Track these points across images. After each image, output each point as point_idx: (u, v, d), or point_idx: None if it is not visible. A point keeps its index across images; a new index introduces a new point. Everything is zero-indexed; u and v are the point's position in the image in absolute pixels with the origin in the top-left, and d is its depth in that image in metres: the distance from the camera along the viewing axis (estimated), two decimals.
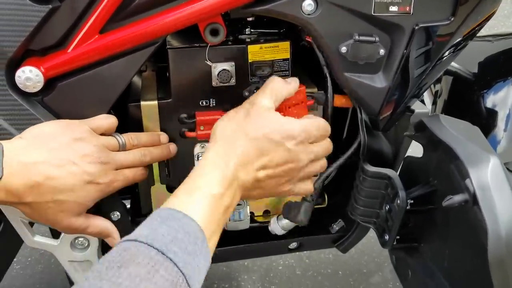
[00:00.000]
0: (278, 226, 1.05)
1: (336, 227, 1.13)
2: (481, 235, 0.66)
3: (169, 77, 0.93)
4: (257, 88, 0.94)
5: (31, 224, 0.89)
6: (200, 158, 0.98)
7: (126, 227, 0.94)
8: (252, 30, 0.95)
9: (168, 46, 0.90)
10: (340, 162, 0.98)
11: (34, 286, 1.63)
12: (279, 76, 0.94)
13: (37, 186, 0.74)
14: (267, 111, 0.81)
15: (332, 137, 1.02)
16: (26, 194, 0.74)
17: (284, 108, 0.88)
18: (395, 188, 0.87)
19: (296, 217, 0.97)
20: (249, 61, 0.93)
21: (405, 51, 0.81)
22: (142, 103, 0.93)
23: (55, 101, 0.83)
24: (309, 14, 0.81)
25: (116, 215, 0.92)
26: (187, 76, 0.92)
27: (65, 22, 0.79)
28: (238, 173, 0.76)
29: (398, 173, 0.94)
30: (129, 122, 0.94)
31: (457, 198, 0.67)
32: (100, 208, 0.90)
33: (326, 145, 0.86)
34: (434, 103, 1.32)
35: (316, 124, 0.84)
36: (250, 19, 0.93)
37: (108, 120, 0.85)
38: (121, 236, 0.92)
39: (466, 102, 1.26)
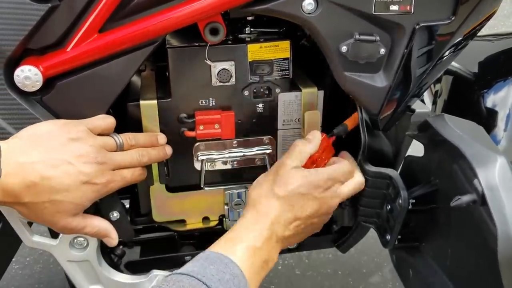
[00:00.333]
0: None
1: (336, 227, 1.13)
2: (487, 235, 0.66)
3: (168, 77, 0.93)
4: (257, 88, 0.95)
5: (30, 224, 0.89)
6: (200, 158, 0.98)
7: (125, 227, 0.94)
8: (252, 30, 0.94)
9: (167, 45, 0.90)
10: None
11: (33, 286, 1.62)
12: (279, 75, 0.94)
13: (34, 186, 0.74)
14: (293, 170, 0.87)
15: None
16: (23, 194, 0.74)
17: (310, 163, 0.92)
18: (397, 188, 0.87)
19: None
20: (249, 60, 0.92)
21: (405, 50, 0.81)
22: (142, 102, 0.92)
23: (54, 101, 0.83)
24: (309, 13, 0.80)
25: (115, 215, 0.92)
26: (187, 75, 0.92)
27: (64, 21, 0.79)
28: (274, 229, 0.83)
29: (398, 172, 0.94)
30: (128, 122, 0.94)
31: (466, 198, 0.67)
32: (98, 208, 0.90)
33: (355, 183, 0.90)
34: (434, 102, 1.31)
35: (341, 169, 0.89)
36: (250, 18, 0.93)
37: (106, 120, 0.84)
38: (119, 236, 0.92)
39: (466, 101, 1.26)
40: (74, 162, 0.76)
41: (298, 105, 0.99)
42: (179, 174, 1.01)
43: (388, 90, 0.83)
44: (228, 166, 1.01)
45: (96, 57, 0.81)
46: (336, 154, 0.96)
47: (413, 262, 0.96)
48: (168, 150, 0.93)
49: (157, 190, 1.00)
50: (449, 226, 0.84)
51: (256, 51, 0.92)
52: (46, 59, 0.80)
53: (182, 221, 1.05)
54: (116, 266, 1.00)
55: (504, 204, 0.64)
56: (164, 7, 0.80)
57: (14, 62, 0.79)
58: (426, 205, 0.87)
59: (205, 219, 1.06)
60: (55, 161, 0.75)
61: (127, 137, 0.86)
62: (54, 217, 0.78)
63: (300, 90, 0.98)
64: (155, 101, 0.93)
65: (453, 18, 0.81)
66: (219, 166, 1.01)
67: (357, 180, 0.91)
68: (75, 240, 0.89)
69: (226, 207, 1.03)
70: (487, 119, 1.18)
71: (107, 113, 0.86)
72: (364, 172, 0.91)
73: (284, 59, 0.94)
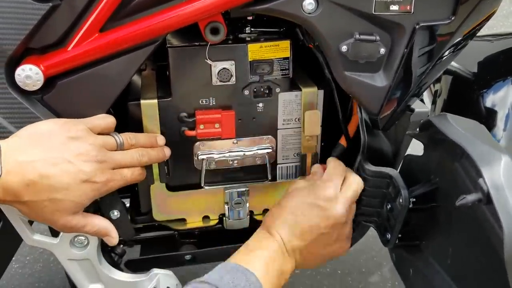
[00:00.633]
0: None
1: None
2: (491, 234, 0.66)
3: (169, 76, 0.93)
4: (257, 87, 0.95)
5: (30, 222, 0.89)
6: (200, 157, 0.99)
7: (125, 226, 0.94)
8: (252, 29, 0.94)
9: (168, 45, 0.90)
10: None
11: (33, 285, 1.62)
12: (279, 75, 0.94)
13: (33, 185, 0.74)
14: (297, 188, 0.92)
15: (333, 136, 1.04)
16: (23, 192, 0.74)
17: None
18: (397, 187, 0.87)
19: None
20: (249, 60, 0.93)
21: (405, 50, 0.81)
22: (142, 101, 0.93)
23: (55, 100, 0.83)
24: (309, 13, 0.80)
25: (116, 213, 0.92)
26: (187, 75, 0.92)
27: (65, 20, 0.79)
28: (281, 241, 0.86)
29: (398, 171, 0.94)
30: (129, 121, 0.94)
31: (471, 197, 0.67)
32: (99, 206, 0.90)
33: (352, 183, 0.92)
34: (434, 102, 1.32)
35: (331, 169, 0.94)
36: (250, 18, 0.93)
37: (106, 120, 0.84)
38: (120, 235, 0.92)
39: (465, 101, 1.26)
40: (74, 161, 0.77)
41: (298, 104, 0.99)
42: (180, 173, 1.01)
43: (388, 89, 0.84)
44: (229, 166, 1.01)
45: (97, 56, 0.81)
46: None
47: (414, 261, 0.96)
48: (167, 151, 0.93)
49: (158, 189, 1.00)
50: (449, 225, 0.84)
51: (257, 50, 0.92)
52: (47, 58, 0.80)
53: (182, 220, 1.06)
54: (116, 265, 1.00)
55: (509, 203, 0.64)
56: (165, 7, 0.80)
57: (15, 61, 0.80)
58: (427, 204, 0.87)
59: (205, 218, 1.06)
60: (54, 160, 0.75)
61: (127, 137, 0.86)
62: (54, 216, 0.78)
63: (300, 90, 0.98)
64: (155, 100, 0.93)
65: (453, 18, 0.81)
66: (219, 165, 1.01)
67: (352, 180, 0.92)
68: (76, 239, 0.89)
69: (226, 206, 1.04)
70: (487, 119, 1.18)
71: (108, 112, 0.86)
72: (364, 171, 0.91)
73: (284, 58, 0.94)
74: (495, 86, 1.22)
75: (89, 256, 0.91)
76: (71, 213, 0.79)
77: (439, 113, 0.85)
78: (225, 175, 1.03)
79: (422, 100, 1.13)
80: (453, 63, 1.28)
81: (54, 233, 0.91)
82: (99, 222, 0.85)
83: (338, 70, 0.84)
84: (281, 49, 0.93)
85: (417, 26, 0.80)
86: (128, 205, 1.05)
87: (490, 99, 1.21)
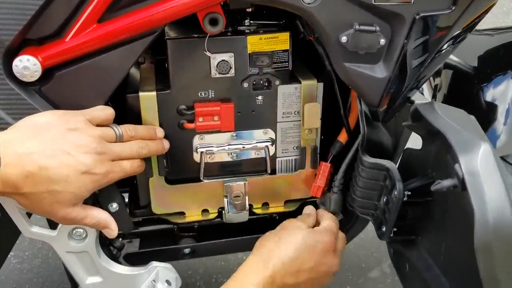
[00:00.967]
0: None
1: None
2: (470, 222, 0.65)
3: (167, 68, 0.93)
4: (256, 80, 0.94)
5: (29, 215, 0.88)
6: (199, 150, 0.98)
7: (124, 219, 0.94)
8: (251, 22, 0.94)
9: (167, 37, 0.90)
10: (348, 160, 1.00)
11: (32, 281, 1.62)
12: (278, 67, 0.94)
13: (32, 176, 0.73)
14: (297, 229, 0.93)
15: (333, 130, 1.04)
16: (22, 184, 0.74)
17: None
18: (393, 180, 0.86)
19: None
20: (248, 52, 0.92)
21: (405, 41, 0.81)
22: (141, 94, 0.92)
23: (53, 91, 0.82)
24: (309, 4, 0.80)
25: (114, 206, 0.92)
26: (186, 67, 0.92)
27: (63, 11, 0.78)
28: (276, 276, 0.86)
29: (397, 165, 0.94)
30: (127, 114, 0.94)
31: (446, 183, 0.66)
32: (98, 199, 0.90)
33: (342, 238, 1.00)
34: (434, 96, 1.31)
35: (332, 224, 0.98)
36: (249, 10, 0.92)
37: (105, 111, 0.84)
38: (119, 228, 0.92)
39: (466, 95, 1.25)
40: (73, 152, 0.76)
41: (298, 97, 0.98)
42: (178, 166, 1.00)
43: (388, 81, 0.83)
44: (228, 159, 1.01)
45: (95, 47, 0.81)
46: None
47: (409, 256, 0.96)
48: (166, 144, 0.93)
49: (156, 182, 1.00)
50: (443, 219, 0.83)
51: (256, 42, 0.92)
52: (44, 49, 0.80)
53: (181, 214, 1.05)
54: (115, 258, 1.00)
55: (484, 190, 0.63)
56: None
57: (12, 52, 0.79)
58: (422, 198, 0.86)
59: (205, 211, 1.06)
60: (53, 152, 0.75)
61: (126, 128, 0.86)
62: (53, 208, 0.77)
63: (300, 82, 0.97)
64: (154, 93, 0.93)
65: (453, 8, 0.81)
66: (218, 158, 1.01)
67: (342, 235, 1.00)
68: (74, 231, 0.89)
69: (225, 199, 1.03)
70: (487, 113, 1.18)
71: (106, 105, 0.86)
72: (362, 163, 0.91)
73: (284, 51, 0.93)
74: (495, 80, 1.21)
75: (88, 249, 0.90)
76: (71, 205, 0.79)
77: (427, 102, 0.84)
78: (224, 168, 1.03)
79: (422, 94, 1.12)
80: (453, 57, 1.27)
81: (52, 225, 0.90)
82: (98, 214, 0.84)
83: (338, 61, 0.83)
84: (280, 41, 0.93)
85: (417, 16, 0.80)
86: (127, 200, 1.05)
87: (491, 93, 1.21)
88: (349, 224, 1.08)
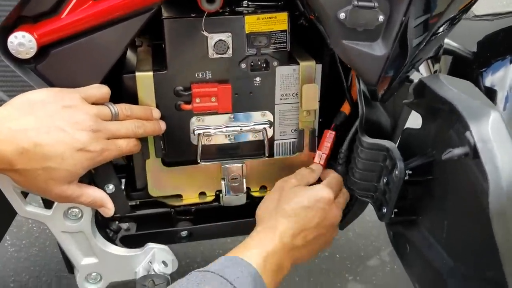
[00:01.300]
0: None
1: None
2: (480, 194, 0.64)
3: (164, 49, 0.92)
4: (254, 61, 0.94)
5: (25, 195, 0.88)
6: (196, 132, 0.98)
7: (120, 200, 0.93)
8: (249, 3, 0.93)
9: (163, 16, 0.89)
10: (349, 138, 0.99)
11: (29, 269, 1.61)
12: (276, 48, 0.93)
13: (26, 153, 0.73)
14: (296, 187, 0.94)
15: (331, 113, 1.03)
16: (16, 161, 0.73)
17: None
18: (394, 159, 0.86)
19: None
20: (246, 32, 0.91)
21: (404, 18, 0.80)
22: (137, 74, 0.92)
23: (49, 69, 0.82)
24: None
25: (111, 187, 0.91)
26: (183, 47, 0.91)
27: None
28: (283, 241, 0.86)
29: (396, 145, 0.93)
30: (124, 95, 0.93)
31: (457, 151, 0.65)
32: (94, 180, 0.89)
33: (344, 194, 0.99)
34: None
35: (334, 180, 0.98)
36: None
37: (101, 90, 0.83)
38: (115, 210, 0.91)
39: None
40: (68, 129, 0.76)
41: (296, 79, 0.98)
42: (176, 148, 1.00)
43: (387, 58, 0.82)
44: (225, 141, 1.00)
45: (91, 24, 0.80)
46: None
47: (410, 237, 0.95)
48: (163, 125, 0.92)
49: (153, 164, 0.99)
50: (445, 197, 0.83)
51: (254, 22, 0.91)
52: (40, 26, 0.79)
53: (179, 196, 1.05)
54: (111, 241, 0.99)
55: (496, 156, 0.62)
56: None
57: (8, 29, 0.78)
58: (423, 176, 0.86)
59: (202, 194, 1.05)
60: (48, 128, 0.74)
61: (122, 107, 0.85)
62: (48, 185, 0.77)
63: (298, 64, 0.97)
64: (151, 73, 0.92)
65: None
66: (215, 140, 1.00)
67: (344, 190, 0.99)
68: (69, 211, 0.88)
69: (222, 181, 1.02)
70: None
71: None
72: (361, 143, 0.90)
73: (282, 31, 0.93)
74: (494, 65, 1.21)
75: (83, 229, 0.90)
76: (66, 182, 0.78)
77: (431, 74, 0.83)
78: (221, 151, 1.02)
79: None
80: (452, 42, 1.27)
81: (48, 205, 0.89)
82: (94, 193, 0.84)
83: (336, 39, 0.82)
84: (278, 22, 0.92)
85: None
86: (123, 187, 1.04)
87: (490, 79, 1.20)
88: (348, 207, 1.08)
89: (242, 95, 0.97)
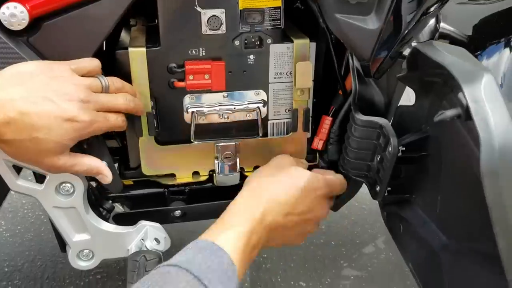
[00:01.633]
0: None
1: None
2: (472, 161, 0.64)
3: (158, 25, 0.91)
4: (247, 38, 0.93)
5: (18, 170, 0.87)
6: (189, 110, 0.97)
7: (113, 177, 0.92)
8: None
9: None
10: (341, 117, 1.00)
11: (23, 253, 1.61)
12: (270, 25, 0.93)
13: (14, 123, 0.72)
14: (294, 166, 0.93)
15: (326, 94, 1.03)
16: (4, 130, 0.72)
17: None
18: (387, 136, 0.86)
19: None
20: (240, 8, 0.91)
21: None
22: (130, 49, 0.91)
23: (41, 42, 0.82)
24: None
25: (104, 164, 0.91)
26: (176, 23, 0.91)
27: None
28: (265, 216, 0.83)
29: (390, 123, 0.93)
30: (117, 72, 0.93)
31: (449, 112, 0.65)
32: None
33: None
34: None
35: (338, 181, 0.97)
36: None
37: (92, 62, 0.83)
38: (108, 188, 0.91)
39: None
40: (56, 100, 0.75)
41: (290, 57, 0.97)
42: (169, 127, 0.99)
43: (380, 32, 0.82)
44: (219, 120, 1.00)
45: None
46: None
47: (404, 216, 0.95)
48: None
49: (146, 142, 0.99)
50: (439, 172, 0.83)
51: None
52: None
53: (172, 176, 1.04)
54: (104, 220, 0.99)
55: (488, 116, 0.62)
56: None
57: (0, 1, 0.78)
58: (417, 153, 0.85)
59: (195, 174, 1.05)
60: (36, 99, 0.74)
61: (113, 80, 0.84)
62: (39, 156, 0.76)
63: (292, 41, 0.96)
64: (144, 49, 0.92)
65: None
66: (209, 119, 1.00)
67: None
68: (61, 186, 0.88)
69: (216, 161, 1.02)
70: None
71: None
72: (354, 121, 0.90)
73: (276, 8, 0.92)
74: (489, 49, 1.20)
75: (75, 205, 0.89)
76: (56, 153, 0.77)
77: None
78: (215, 130, 1.02)
79: None
80: (448, 26, 1.26)
81: (39, 179, 0.89)
82: (89, 161, 0.83)
83: (329, 12, 0.82)
84: None
85: None
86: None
87: (485, 64, 1.20)
88: None
89: (235, 73, 0.97)
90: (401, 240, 1.00)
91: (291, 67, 0.98)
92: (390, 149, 0.85)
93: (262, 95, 1.00)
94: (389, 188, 0.91)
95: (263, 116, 1.01)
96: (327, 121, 1.03)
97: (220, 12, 0.90)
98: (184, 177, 1.04)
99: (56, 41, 0.82)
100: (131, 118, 0.91)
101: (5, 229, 1.71)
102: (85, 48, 0.83)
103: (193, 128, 0.98)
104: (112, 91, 0.83)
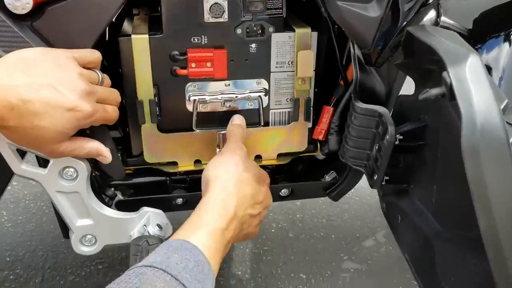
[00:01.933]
0: None
1: (328, 178, 1.13)
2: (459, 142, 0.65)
3: (160, 12, 0.92)
4: (249, 26, 0.94)
5: (22, 154, 0.88)
6: (192, 98, 0.98)
7: (116, 165, 0.93)
8: None
9: None
10: (342, 107, 1.01)
11: (25, 243, 1.62)
12: (272, 13, 0.94)
13: (17, 109, 0.72)
14: (247, 158, 0.93)
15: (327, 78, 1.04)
16: (7, 117, 0.72)
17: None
18: (385, 124, 0.86)
19: None
20: None
21: None
22: (133, 36, 0.92)
23: (44, 26, 0.82)
24: None
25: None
26: (179, 11, 0.92)
27: None
28: (237, 211, 0.83)
29: (391, 112, 0.93)
30: (120, 59, 0.93)
31: (434, 91, 0.66)
32: None
33: None
34: None
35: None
36: None
37: (94, 54, 0.84)
38: (110, 175, 0.92)
39: None
40: (60, 88, 0.75)
41: (292, 46, 0.98)
42: (171, 115, 1.00)
43: (381, 20, 0.83)
44: (221, 109, 1.01)
45: None
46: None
47: (402, 206, 0.96)
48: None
49: (149, 130, 1.00)
50: (435, 161, 0.83)
51: None
52: None
53: (174, 164, 1.05)
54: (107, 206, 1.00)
55: (471, 95, 0.62)
56: None
57: None
58: (414, 142, 0.86)
59: (197, 162, 1.06)
60: (40, 86, 0.74)
61: (106, 76, 0.85)
62: (40, 143, 0.77)
63: (294, 31, 0.97)
64: (146, 36, 0.92)
65: None
66: (211, 107, 1.00)
67: None
68: (64, 171, 0.88)
69: (217, 149, 1.03)
70: None
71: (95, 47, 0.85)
72: (354, 109, 0.91)
73: None
74: (489, 42, 1.21)
75: (79, 189, 0.90)
76: (57, 142, 0.78)
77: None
78: (217, 119, 1.02)
79: None
80: (448, 20, 1.27)
81: (42, 163, 0.90)
82: (88, 144, 0.84)
83: (331, 0, 0.83)
84: None
85: None
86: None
87: (484, 57, 1.21)
88: (342, 177, 1.08)
89: (237, 62, 0.97)
90: (399, 231, 1.00)
91: (293, 56, 0.99)
92: (387, 137, 0.86)
93: (264, 84, 1.01)
94: (387, 178, 0.92)
95: (264, 105, 1.02)
96: (328, 111, 1.04)
97: (222, 0, 0.91)
98: (186, 165, 1.05)
99: (59, 26, 0.82)
100: (134, 105, 0.92)
101: (7, 220, 1.72)
102: (88, 34, 0.83)
103: (195, 116, 0.99)
104: (106, 86, 0.85)
